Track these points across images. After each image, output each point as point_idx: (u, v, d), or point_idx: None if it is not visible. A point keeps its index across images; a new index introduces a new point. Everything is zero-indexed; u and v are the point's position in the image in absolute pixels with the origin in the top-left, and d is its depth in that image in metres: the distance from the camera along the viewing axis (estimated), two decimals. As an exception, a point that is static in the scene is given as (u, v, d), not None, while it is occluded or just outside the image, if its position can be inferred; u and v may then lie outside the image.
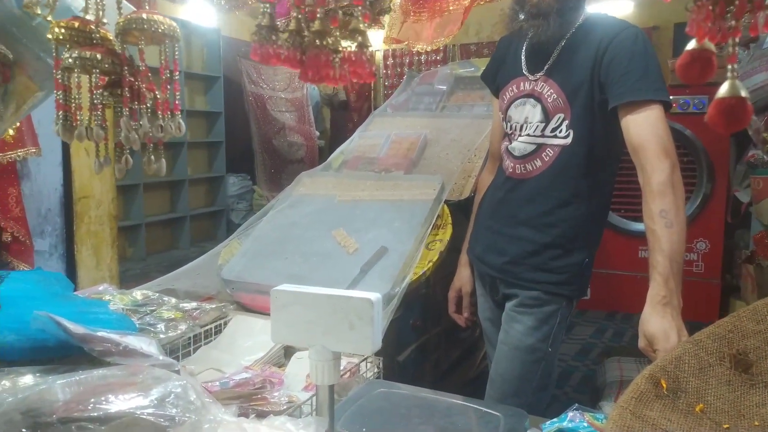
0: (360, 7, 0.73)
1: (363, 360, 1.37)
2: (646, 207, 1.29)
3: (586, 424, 0.99)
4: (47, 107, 1.19)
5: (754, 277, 2.46)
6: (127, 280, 4.42)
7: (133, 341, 0.88)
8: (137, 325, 1.44)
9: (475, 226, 1.72)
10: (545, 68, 1.47)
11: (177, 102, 0.94)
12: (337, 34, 0.73)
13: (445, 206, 2.05)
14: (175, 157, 5.42)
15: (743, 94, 0.48)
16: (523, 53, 1.53)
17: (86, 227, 2.28)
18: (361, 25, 0.72)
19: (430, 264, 1.86)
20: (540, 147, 1.49)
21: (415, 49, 2.61)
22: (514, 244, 1.53)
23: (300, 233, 2.07)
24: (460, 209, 2.12)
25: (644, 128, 1.31)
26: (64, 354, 0.82)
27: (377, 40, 3.25)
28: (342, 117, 6.52)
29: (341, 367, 1.38)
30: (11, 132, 2.07)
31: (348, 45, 0.72)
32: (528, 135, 1.50)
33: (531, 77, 1.50)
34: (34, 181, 2.22)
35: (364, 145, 2.59)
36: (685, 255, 3.87)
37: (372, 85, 5.91)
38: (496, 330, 1.65)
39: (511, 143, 1.55)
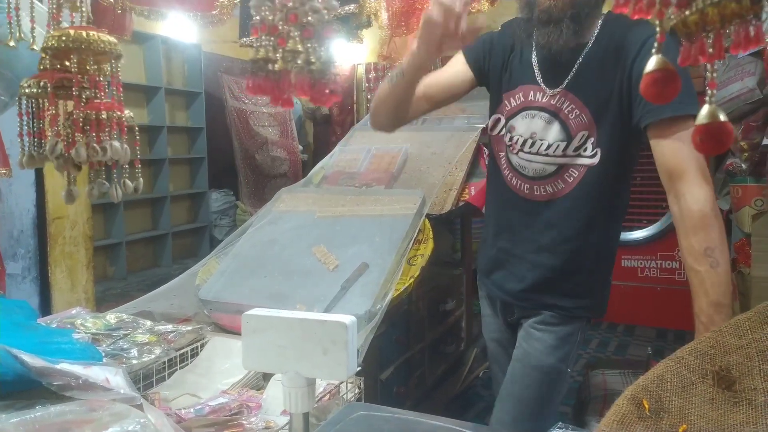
0: (294, 26, 0.68)
1: (342, 381, 1.34)
2: (686, 242, 1.15)
3: (570, 444, 0.97)
4: (17, 127, 1.16)
5: (736, 285, 2.47)
6: (107, 299, 4.34)
7: (97, 372, 0.84)
8: (110, 350, 1.40)
9: (485, 243, 1.59)
10: (566, 82, 1.33)
11: (123, 121, 0.91)
12: (309, 46, 0.70)
13: (427, 220, 2.04)
14: (156, 173, 5.35)
15: (723, 118, 0.46)
16: (535, 61, 1.38)
17: (60, 248, 2.22)
18: (299, 46, 0.68)
19: (412, 279, 1.84)
20: (562, 168, 1.36)
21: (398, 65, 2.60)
22: (534, 271, 1.43)
23: (280, 250, 2.04)
24: (441, 223, 2.11)
25: (682, 150, 1.16)
26: (21, 388, 0.78)
27: (359, 54, 3.26)
28: (325, 131, 6.51)
29: (320, 389, 1.35)
30: (-20, 153, 2.02)
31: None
32: (546, 155, 1.36)
33: (548, 91, 1.35)
34: (5, 202, 2.16)
35: (344, 159, 2.57)
36: (667, 263, 3.93)
37: (355, 98, 5.91)
38: (504, 351, 1.58)
39: (510, 156, 1.43)
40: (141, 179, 1.16)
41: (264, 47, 0.65)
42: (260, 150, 6.12)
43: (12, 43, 1.05)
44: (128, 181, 1.11)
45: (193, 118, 5.74)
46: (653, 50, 0.51)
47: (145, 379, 1.38)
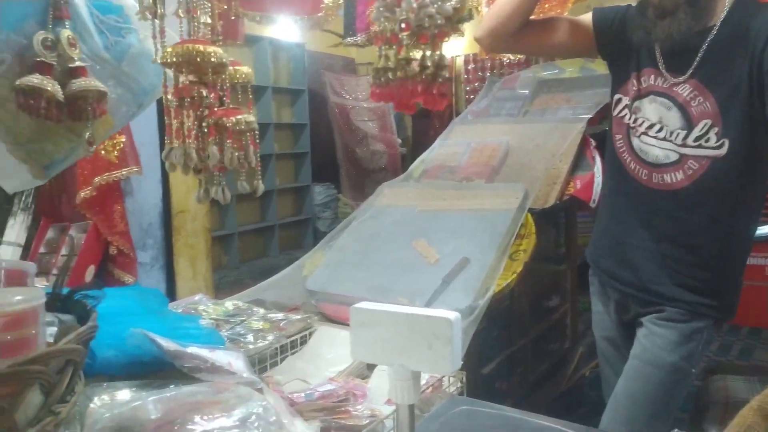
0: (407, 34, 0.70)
1: (446, 375, 1.35)
2: None
3: (686, 453, 0.92)
4: (146, 130, 1.30)
5: None
6: (223, 286, 4.65)
7: (221, 356, 0.91)
8: (229, 335, 1.51)
9: (597, 230, 1.54)
10: (690, 70, 1.27)
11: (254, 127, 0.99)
12: (428, 54, 0.72)
13: (529, 215, 1.99)
14: (264, 168, 5.61)
15: None
16: (659, 47, 1.31)
17: (183, 240, 2.42)
18: (411, 53, 0.70)
19: (514, 275, 1.81)
20: (682, 158, 1.29)
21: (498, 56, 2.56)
22: (654, 261, 1.36)
23: (381, 244, 2.09)
24: (544, 217, 2.06)
25: None
26: (157, 369, 0.87)
27: (458, 46, 3.23)
28: (423, 124, 6.52)
29: (424, 381, 1.37)
30: (115, 153, 2.24)
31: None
32: (669, 142, 1.30)
33: (671, 78, 1.30)
34: (136, 197, 2.39)
35: (444, 153, 2.57)
36: (758, 259, 3.53)
37: (453, 90, 5.87)
38: (616, 351, 1.52)
39: (631, 140, 1.37)
40: (261, 182, 1.23)
41: (383, 56, 0.68)
42: (360, 144, 6.25)
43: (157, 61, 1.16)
44: (245, 183, 1.19)
45: (298, 115, 5.98)
46: None
47: (259, 363, 1.47)
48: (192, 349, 0.87)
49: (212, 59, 1.11)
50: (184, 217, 2.43)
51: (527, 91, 2.84)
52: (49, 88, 1.13)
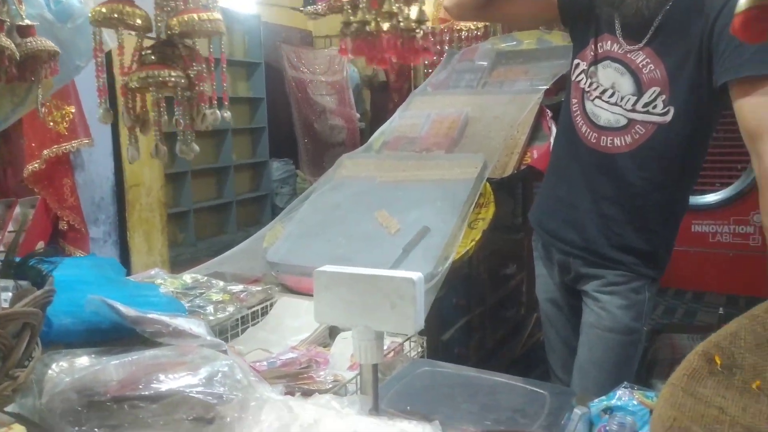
0: None
1: (407, 339, 1.38)
2: (762, 201, 1.14)
3: (635, 402, 0.97)
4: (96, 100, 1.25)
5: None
6: (178, 264, 4.56)
7: (183, 323, 0.90)
8: (187, 308, 1.49)
9: (543, 193, 1.59)
10: (645, 39, 1.31)
11: (224, 92, 0.97)
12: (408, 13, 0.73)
13: (488, 184, 2.03)
14: (220, 143, 5.52)
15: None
16: (618, 15, 1.35)
17: (138, 214, 2.36)
18: (393, 7, 0.71)
19: (473, 243, 1.84)
20: (630, 122, 1.34)
21: (459, 26, 2.56)
22: (597, 222, 1.40)
23: (342, 215, 2.09)
24: (502, 187, 2.09)
25: (762, 109, 1.15)
26: (117, 336, 0.85)
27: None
28: (382, 98, 6.49)
29: (385, 347, 1.39)
30: (65, 125, 2.15)
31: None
32: (618, 106, 1.35)
33: (626, 45, 1.34)
34: (87, 170, 2.31)
35: (404, 125, 2.57)
36: (741, 228, 3.75)
37: (412, 64, 5.85)
38: (559, 311, 1.58)
39: (585, 103, 1.40)
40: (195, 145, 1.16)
41: (361, 9, 0.67)
42: (319, 119, 6.18)
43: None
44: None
45: (254, 89, 5.84)
46: None
47: (220, 335, 1.46)
48: (153, 315, 0.86)
49: (137, 21, 1.07)
50: (138, 191, 2.37)
51: (486, 63, 2.86)
52: (9, 46, 1.06)
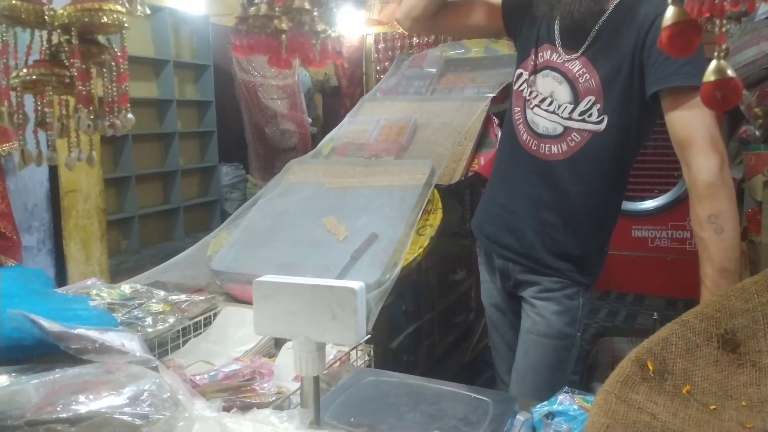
0: None
1: (353, 348, 1.36)
2: (692, 211, 1.18)
3: (576, 407, 0.98)
4: (28, 101, 1.16)
5: (747, 254, 2.45)
6: (121, 273, 4.40)
7: (113, 338, 0.86)
8: (126, 319, 1.42)
9: (485, 200, 1.60)
10: (582, 49, 1.34)
11: (124, 94, 0.89)
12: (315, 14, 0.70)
13: (436, 191, 2.04)
14: (167, 147, 5.37)
15: (730, 74, 0.45)
16: (557, 25, 1.39)
17: (74, 221, 2.26)
18: (306, 4, 0.68)
19: (421, 249, 1.85)
20: (567, 130, 1.37)
21: (400, 31, 2.57)
22: (535, 228, 1.43)
23: (290, 222, 2.06)
24: (450, 193, 2.11)
25: (691, 119, 1.18)
26: (41, 353, 0.80)
27: (366, 24, 3.24)
28: (334, 103, 6.47)
29: (331, 356, 1.37)
30: (-7, 127, 2.04)
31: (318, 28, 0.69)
32: (556, 114, 1.38)
33: (565, 55, 1.37)
34: (20, 175, 2.19)
35: (353, 131, 2.56)
36: (678, 233, 3.91)
37: (364, 69, 5.85)
38: (502, 316, 1.60)
39: (526, 112, 1.43)
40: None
41: (267, 4, 0.65)
42: (269, 123, 6.10)
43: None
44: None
45: (203, 92, 5.72)
46: (669, 1, 0.50)
47: (160, 347, 1.41)
48: (79, 331, 0.81)
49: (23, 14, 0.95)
50: (75, 197, 2.26)
51: (434, 70, 2.89)
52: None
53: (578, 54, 1.35)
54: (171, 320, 1.45)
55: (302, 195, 2.17)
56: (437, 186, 2.06)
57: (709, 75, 0.45)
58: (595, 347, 2.06)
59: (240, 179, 6.03)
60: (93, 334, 0.81)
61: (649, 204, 3.92)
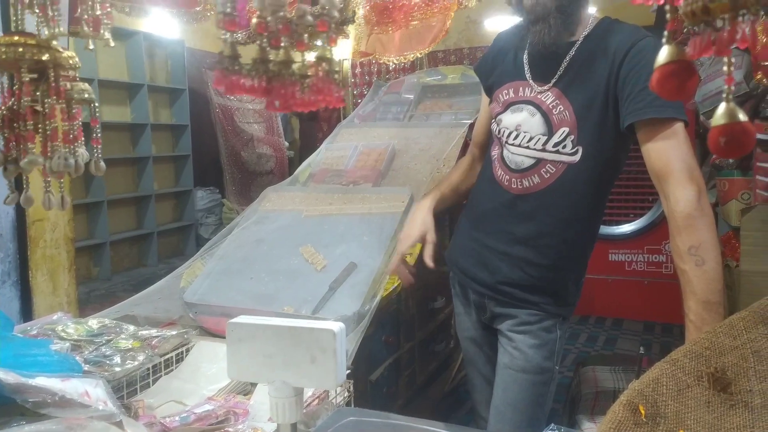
0: (326, 33, 0.67)
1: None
2: (672, 243, 1.16)
3: (563, 447, 0.95)
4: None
5: (723, 278, 2.49)
6: (92, 301, 4.27)
7: (76, 386, 0.81)
8: (93, 357, 1.36)
9: (458, 235, 1.59)
10: (554, 80, 1.34)
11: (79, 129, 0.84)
12: (303, 59, 0.68)
13: (415, 218, 2.01)
14: (140, 172, 5.29)
15: (742, 118, 0.43)
16: (526, 58, 1.39)
17: (41, 251, 2.17)
18: (327, 53, 0.67)
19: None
20: (539, 162, 1.35)
21: (382, 61, 2.58)
22: (508, 263, 1.41)
23: (266, 251, 2.01)
24: (430, 221, 2.08)
25: (667, 151, 1.18)
26: (-4, 405, 0.74)
27: (345, 50, 3.25)
28: (311, 127, 6.46)
29: (309, 393, 1.32)
30: (-45, 154, 1.96)
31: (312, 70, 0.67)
32: (527, 148, 1.36)
33: (537, 87, 1.36)
34: (-17, 205, 2.10)
35: (331, 157, 2.53)
36: (654, 257, 3.95)
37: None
38: (479, 349, 1.56)
39: (503, 151, 1.43)
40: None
41: (284, 47, 0.62)
42: (246, 147, 6.06)
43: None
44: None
45: (177, 116, 5.67)
46: (663, 40, 0.49)
47: (128, 387, 1.34)
48: (38, 380, 0.75)
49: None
50: (43, 227, 2.18)
51: (412, 96, 2.89)
52: None
53: (550, 85, 1.34)
54: (140, 358, 1.39)
55: (279, 223, 2.13)
56: (416, 213, 2.03)
57: (719, 119, 0.42)
58: (578, 377, 2.03)
59: (215, 203, 5.96)
60: (53, 383, 0.76)
61: (625, 228, 3.96)
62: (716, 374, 0.81)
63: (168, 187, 5.65)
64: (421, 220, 1.57)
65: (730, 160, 2.60)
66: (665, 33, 0.47)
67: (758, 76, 2.17)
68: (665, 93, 0.48)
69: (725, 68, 0.43)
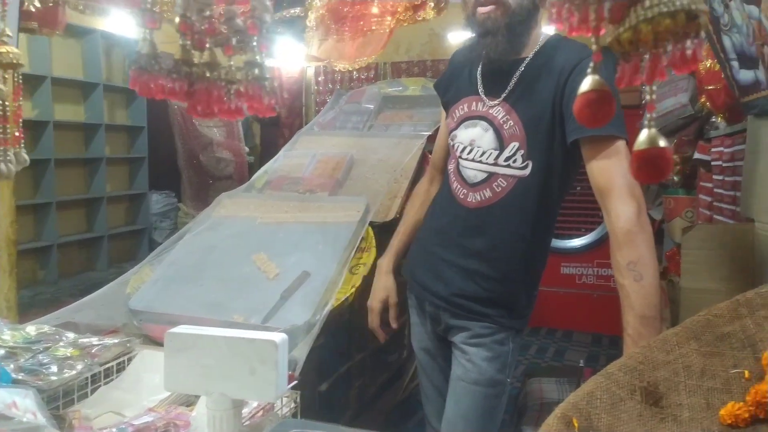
0: (256, 37, 0.67)
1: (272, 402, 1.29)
2: (612, 258, 1.18)
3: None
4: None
5: (667, 293, 2.56)
6: (36, 305, 4.11)
7: (4, 396, 0.77)
8: (28, 365, 1.30)
9: (416, 247, 1.61)
10: (504, 95, 1.37)
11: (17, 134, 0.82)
12: (232, 64, 0.67)
13: (370, 228, 2.01)
14: (93, 173, 5.13)
15: (662, 144, 0.45)
16: (479, 73, 1.43)
17: (-20, 254, 2.08)
18: (257, 57, 0.67)
19: (353, 288, 1.81)
20: (491, 176, 1.38)
21: (337, 68, 2.58)
22: (462, 276, 1.43)
23: (218, 258, 1.97)
24: (385, 231, 2.09)
25: (609, 168, 1.21)
26: None
27: (299, 56, 3.24)
28: (272, 133, 6.39)
29: (254, 404, 1.30)
30: None
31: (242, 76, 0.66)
32: (480, 162, 1.40)
33: (488, 101, 1.40)
34: None
35: (288, 164, 2.52)
36: (603, 270, 4.06)
37: (303, 101, 5.84)
38: (432, 360, 1.57)
39: (458, 163, 1.45)
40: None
41: (209, 51, 0.61)
42: (205, 151, 5.95)
43: None
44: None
45: (134, 117, 5.54)
46: (589, 70, 0.50)
47: (65, 396, 1.29)
48: (-41, 391, 0.72)
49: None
50: (-17, 228, 2.09)
51: (372, 106, 2.90)
52: None
53: (500, 100, 1.38)
54: (79, 366, 1.33)
55: (232, 230, 2.10)
56: (372, 223, 2.04)
57: (640, 144, 0.44)
58: (525, 388, 2.06)
59: (171, 208, 5.82)
60: (-25, 394, 0.72)
61: (576, 242, 4.06)
62: (649, 388, 0.84)
63: (122, 190, 5.50)
64: (382, 286, 1.64)
65: (675, 179, 2.70)
66: (591, 64, 0.49)
67: (702, 100, 2.26)
68: (583, 119, 0.50)
69: (647, 96, 0.45)
